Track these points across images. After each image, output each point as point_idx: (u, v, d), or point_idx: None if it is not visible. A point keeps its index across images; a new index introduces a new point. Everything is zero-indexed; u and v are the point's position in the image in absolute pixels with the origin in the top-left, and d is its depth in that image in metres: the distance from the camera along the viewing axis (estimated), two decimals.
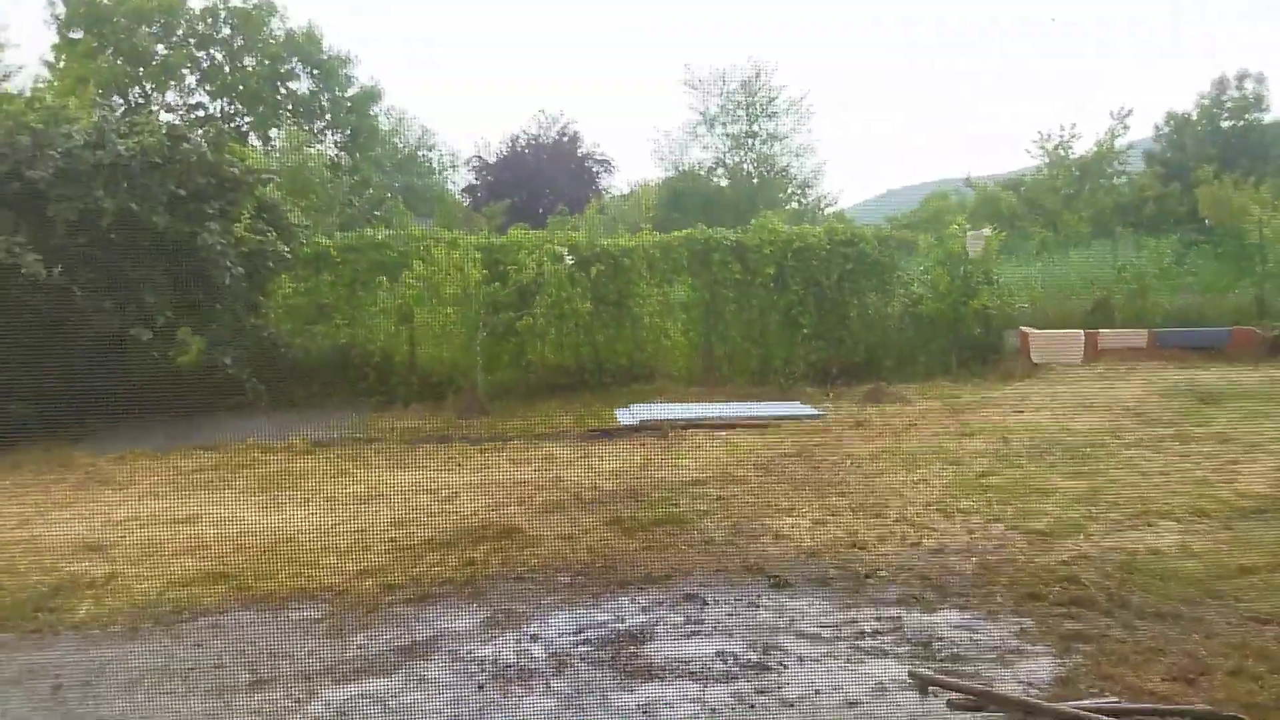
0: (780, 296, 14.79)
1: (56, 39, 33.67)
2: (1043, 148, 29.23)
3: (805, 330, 14.69)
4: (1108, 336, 15.78)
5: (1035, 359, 15.14)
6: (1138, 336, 15.77)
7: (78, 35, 33.72)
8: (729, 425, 10.76)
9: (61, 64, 31.23)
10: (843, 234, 15.38)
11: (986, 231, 15.76)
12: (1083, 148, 28.96)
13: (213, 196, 11.78)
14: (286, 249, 12.94)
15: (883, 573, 5.52)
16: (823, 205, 38.79)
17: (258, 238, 12.58)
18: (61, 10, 33.70)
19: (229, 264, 11.68)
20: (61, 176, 10.56)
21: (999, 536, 6.14)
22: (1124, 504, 6.79)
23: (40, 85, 21.31)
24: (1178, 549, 5.76)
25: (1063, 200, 27.46)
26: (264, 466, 9.08)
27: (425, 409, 12.80)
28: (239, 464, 9.17)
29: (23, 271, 9.85)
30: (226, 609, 5.21)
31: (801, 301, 14.75)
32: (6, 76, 19.36)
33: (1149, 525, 6.30)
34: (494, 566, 5.79)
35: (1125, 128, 28.77)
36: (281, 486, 8.18)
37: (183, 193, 11.34)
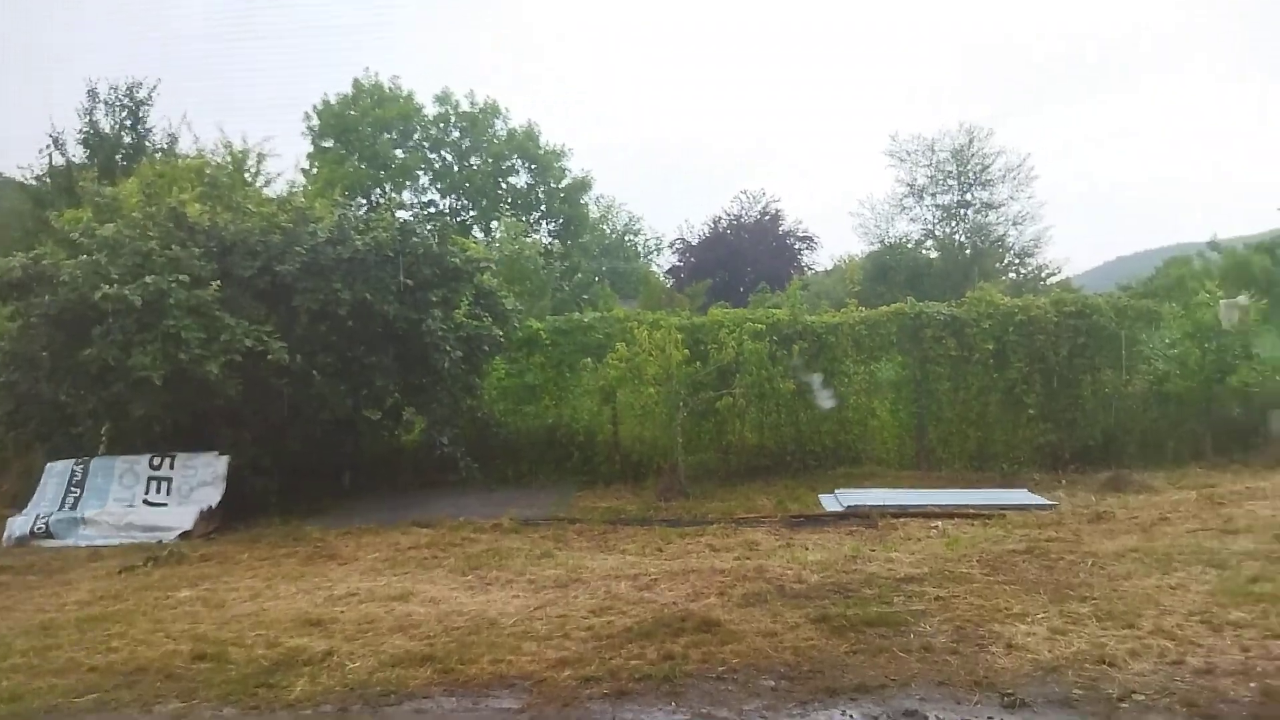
0: (1001, 374, 13.77)
1: (311, 148, 38.53)
2: None
3: (1031, 410, 13.54)
4: None
5: None
6: None
7: (328, 144, 38.38)
8: (947, 514, 9.96)
9: (314, 169, 35.32)
10: (1072, 304, 14.19)
11: (1243, 299, 14.02)
12: None
13: (436, 285, 12.57)
14: (501, 333, 13.58)
15: (1139, 696, 4.75)
16: (1044, 275, 36.52)
17: (475, 323, 13.30)
18: (315, 122, 38.63)
19: (449, 348, 12.37)
20: (306, 271, 11.63)
21: None
22: None
23: (295, 189, 24.11)
24: None
25: None
26: (473, 544, 9.32)
27: (626, 489, 12.86)
28: (450, 542, 9.46)
29: (269, 357, 10.85)
30: (430, 693, 5.22)
31: (1026, 379, 13.65)
32: (269, 182, 22.10)
33: None
34: (693, 662, 5.50)
35: None
36: (487, 566, 8.31)
37: (410, 283, 12.17)
